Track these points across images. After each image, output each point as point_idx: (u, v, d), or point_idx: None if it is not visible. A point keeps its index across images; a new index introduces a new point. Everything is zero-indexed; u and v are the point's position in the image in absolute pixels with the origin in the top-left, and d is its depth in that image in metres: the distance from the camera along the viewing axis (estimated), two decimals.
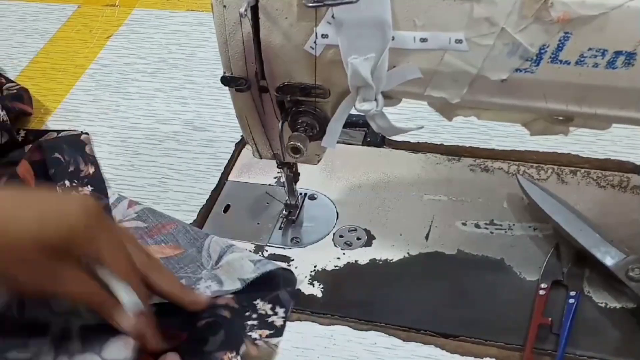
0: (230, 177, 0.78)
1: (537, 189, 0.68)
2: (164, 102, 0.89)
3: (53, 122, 0.88)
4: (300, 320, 0.63)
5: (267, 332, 0.60)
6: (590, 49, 0.48)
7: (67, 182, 0.68)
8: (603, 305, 0.61)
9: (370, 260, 0.67)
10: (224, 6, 0.53)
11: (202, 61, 0.95)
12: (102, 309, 0.52)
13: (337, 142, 0.58)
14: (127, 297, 0.52)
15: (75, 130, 0.81)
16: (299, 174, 0.69)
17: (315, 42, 0.52)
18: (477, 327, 0.61)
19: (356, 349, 0.61)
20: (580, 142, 0.76)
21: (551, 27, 0.48)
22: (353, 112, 0.55)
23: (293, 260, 0.68)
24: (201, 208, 0.74)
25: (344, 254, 0.68)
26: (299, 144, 0.58)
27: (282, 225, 0.71)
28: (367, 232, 0.70)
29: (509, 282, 0.64)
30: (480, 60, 0.50)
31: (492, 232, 0.68)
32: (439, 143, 0.78)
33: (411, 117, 0.80)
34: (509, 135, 0.78)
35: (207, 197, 0.75)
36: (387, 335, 0.62)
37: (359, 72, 0.51)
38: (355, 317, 0.63)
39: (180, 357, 0.55)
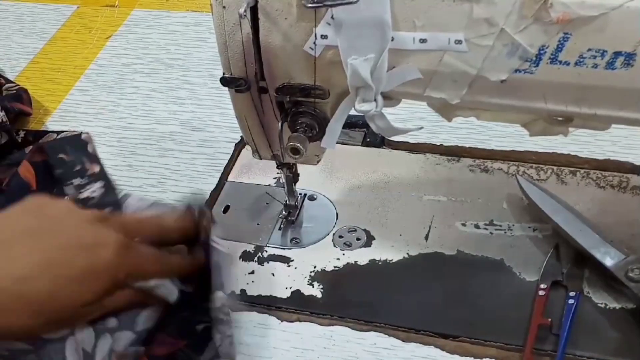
0: (230, 178, 0.78)
1: (537, 189, 0.68)
2: (162, 102, 0.89)
3: (52, 123, 0.88)
4: (300, 321, 0.63)
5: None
6: (589, 50, 0.48)
7: (75, 181, 0.68)
8: (603, 305, 0.61)
9: (369, 261, 0.67)
10: (224, 7, 0.53)
11: (200, 61, 0.95)
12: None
13: (337, 143, 0.58)
14: (168, 290, 0.53)
15: (74, 131, 0.81)
16: (298, 175, 0.69)
17: (314, 42, 0.52)
18: (476, 327, 0.61)
19: (356, 349, 0.61)
20: (579, 142, 0.76)
21: (551, 27, 0.48)
22: (352, 112, 0.55)
23: (293, 260, 0.68)
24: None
25: (343, 254, 0.68)
26: (298, 144, 0.58)
27: (282, 226, 0.71)
28: (367, 232, 0.70)
29: (509, 283, 0.64)
30: (480, 61, 0.50)
31: (491, 233, 0.68)
32: (438, 143, 0.78)
33: (410, 118, 0.80)
34: (508, 135, 0.78)
35: (206, 197, 0.75)
36: (387, 336, 0.62)
37: (359, 72, 0.51)
38: (354, 318, 0.63)
39: None
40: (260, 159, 0.66)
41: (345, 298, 0.65)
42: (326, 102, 0.57)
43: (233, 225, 0.72)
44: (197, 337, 0.57)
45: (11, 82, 0.91)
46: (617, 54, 0.47)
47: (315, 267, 0.67)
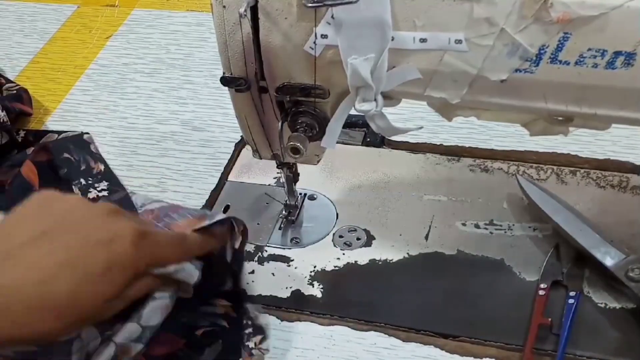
0: (230, 178, 0.78)
1: (537, 189, 0.68)
2: (163, 102, 0.89)
3: (52, 123, 0.88)
4: (300, 321, 0.63)
5: (259, 337, 0.60)
6: (589, 49, 0.48)
7: (82, 181, 0.67)
8: (603, 305, 0.61)
9: (370, 261, 0.67)
10: (224, 6, 0.53)
11: (201, 61, 0.95)
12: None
13: (337, 143, 0.58)
14: (188, 273, 0.53)
15: (75, 132, 0.81)
16: (298, 174, 0.69)
17: (315, 42, 0.52)
18: (476, 327, 0.61)
19: (356, 349, 0.61)
20: (579, 142, 0.76)
21: (551, 27, 0.48)
22: (353, 112, 0.55)
23: (293, 260, 0.68)
24: (201, 208, 0.74)
25: (343, 254, 0.68)
26: (298, 144, 0.58)
27: (282, 226, 0.72)
28: (367, 232, 0.70)
29: (509, 282, 0.64)
30: (480, 61, 0.50)
31: (491, 233, 0.68)
32: (438, 143, 0.78)
33: (411, 118, 0.80)
34: (509, 135, 0.78)
35: (206, 197, 0.75)
36: (387, 336, 0.62)
37: (359, 72, 0.51)
38: (354, 318, 0.63)
39: None
40: (261, 158, 0.66)
41: (345, 298, 0.65)
42: (326, 102, 0.57)
43: None
44: (197, 339, 0.57)
45: (11, 81, 0.91)
46: (617, 53, 0.47)
47: (315, 267, 0.67)
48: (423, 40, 0.50)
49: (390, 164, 0.76)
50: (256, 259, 0.69)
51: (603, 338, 0.59)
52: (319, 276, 0.67)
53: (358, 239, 0.69)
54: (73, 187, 0.67)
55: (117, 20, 1.05)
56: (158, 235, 0.51)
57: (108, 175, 0.69)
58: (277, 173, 0.75)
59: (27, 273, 0.44)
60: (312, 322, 0.63)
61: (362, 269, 0.67)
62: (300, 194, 0.73)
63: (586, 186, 0.72)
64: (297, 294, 0.65)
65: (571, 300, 0.61)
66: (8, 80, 0.91)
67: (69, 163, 0.69)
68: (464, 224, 0.69)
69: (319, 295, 0.65)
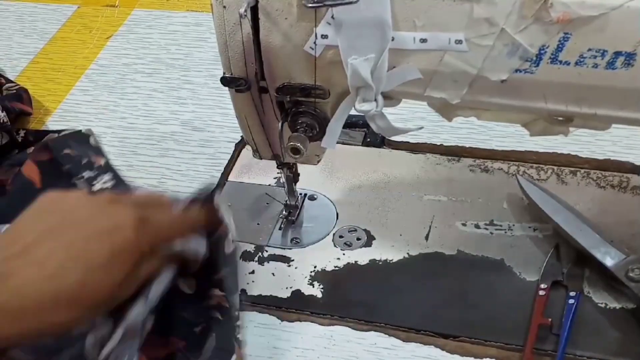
0: (230, 178, 0.78)
1: (537, 189, 0.68)
2: (163, 102, 0.89)
3: (53, 123, 0.88)
4: (300, 321, 0.63)
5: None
6: (590, 50, 0.48)
7: (85, 174, 0.67)
8: (603, 305, 0.61)
9: (370, 261, 0.67)
10: (224, 7, 0.53)
11: (201, 61, 0.95)
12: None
13: (337, 143, 0.58)
14: (196, 246, 0.54)
15: (74, 129, 0.81)
16: (298, 175, 0.69)
17: (315, 42, 0.52)
18: (477, 327, 0.61)
19: (356, 349, 0.61)
20: (579, 142, 0.76)
21: (551, 27, 0.48)
22: (353, 112, 0.55)
23: (293, 260, 0.68)
24: None
25: (343, 254, 0.68)
26: (298, 144, 0.58)
27: (282, 226, 0.72)
28: (367, 232, 0.70)
29: (509, 283, 0.64)
30: (480, 61, 0.50)
31: (492, 233, 0.68)
32: (438, 143, 0.78)
33: (411, 118, 0.80)
34: (509, 135, 0.78)
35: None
36: (387, 336, 0.62)
37: (359, 72, 0.51)
38: (355, 318, 0.63)
39: None
40: (261, 158, 0.66)
41: (345, 298, 0.65)
42: (326, 102, 0.57)
43: (233, 225, 0.72)
44: (196, 338, 0.57)
45: (11, 82, 0.91)
46: (617, 53, 0.47)
47: (315, 267, 0.67)
48: (423, 41, 0.50)
49: (391, 164, 0.76)
50: (256, 259, 0.69)
51: (603, 338, 0.59)
52: (319, 276, 0.67)
53: (358, 239, 0.69)
54: (77, 182, 0.67)
55: (117, 20, 1.05)
56: (159, 216, 0.52)
57: (110, 169, 0.69)
58: (277, 173, 0.75)
59: (37, 271, 0.46)
60: (312, 322, 0.63)
61: (362, 269, 0.67)
62: (301, 194, 0.73)
63: (586, 186, 0.72)
64: (297, 294, 0.65)
65: (571, 300, 0.61)
66: (8, 80, 0.91)
67: (69, 159, 0.69)
68: (464, 224, 0.69)
69: (319, 295, 0.65)
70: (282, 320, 0.64)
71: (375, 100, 0.53)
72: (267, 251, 0.69)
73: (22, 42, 1.02)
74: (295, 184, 0.69)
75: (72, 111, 0.90)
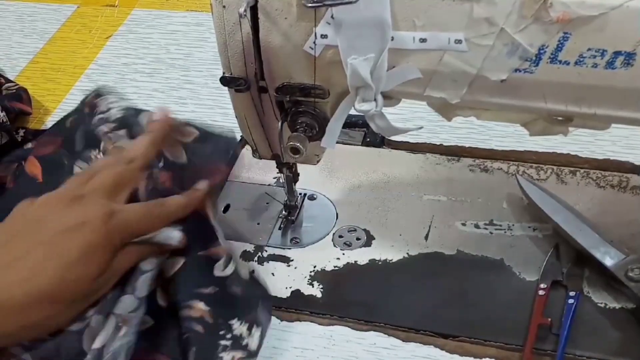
0: (230, 177, 0.78)
1: (537, 189, 0.68)
2: (163, 102, 0.89)
3: (52, 122, 0.87)
4: (300, 321, 0.63)
5: (240, 354, 0.56)
6: (589, 49, 0.48)
7: (103, 128, 0.66)
8: (602, 305, 0.61)
9: (369, 261, 0.67)
10: (224, 6, 0.53)
11: (201, 61, 0.95)
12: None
13: (337, 143, 0.58)
14: (168, 236, 0.55)
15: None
16: (298, 174, 0.69)
17: (314, 42, 0.52)
18: (476, 327, 0.61)
19: (356, 349, 0.61)
20: (579, 142, 0.76)
21: (550, 27, 0.48)
22: (352, 112, 0.55)
23: (293, 260, 0.68)
24: None
25: (343, 254, 0.68)
26: (298, 144, 0.58)
27: (282, 226, 0.72)
28: (367, 232, 0.70)
29: (509, 282, 0.64)
30: (480, 61, 0.50)
31: (491, 233, 0.68)
32: (438, 143, 0.78)
33: (410, 118, 0.80)
34: (508, 135, 0.78)
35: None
36: (387, 336, 0.62)
37: (359, 72, 0.51)
38: (354, 318, 0.63)
39: None
40: (260, 158, 0.66)
41: (345, 298, 0.65)
42: (326, 102, 0.57)
43: (233, 225, 0.72)
44: (176, 351, 0.56)
45: (11, 81, 0.91)
46: (617, 53, 0.47)
47: (315, 267, 0.67)
48: (423, 40, 0.50)
49: (390, 164, 0.76)
50: (256, 259, 0.69)
51: (603, 338, 0.59)
52: (318, 276, 0.67)
53: (358, 239, 0.69)
54: (80, 163, 0.66)
55: (117, 20, 1.05)
56: (128, 209, 0.54)
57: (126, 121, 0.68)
58: (277, 173, 0.75)
59: (12, 274, 0.48)
60: (312, 322, 0.63)
61: (362, 269, 0.67)
62: (300, 194, 0.73)
63: (586, 186, 0.72)
64: (297, 294, 0.65)
65: (571, 300, 0.61)
66: (7, 80, 0.91)
67: (76, 129, 0.68)
68: (463, 224, 0.69)
69: (319, 295, 0.65)
70: (281, 320, 0.64)
71: (375, 100, 0.53)
72: (266, 251, 0.69)
73: (22, 42, 1.03)
74: (295, 184, 0.69)
75: None
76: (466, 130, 0.79)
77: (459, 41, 0.50)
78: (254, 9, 0.52)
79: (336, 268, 0.67)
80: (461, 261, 0.66)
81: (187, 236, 0.57)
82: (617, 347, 0.59)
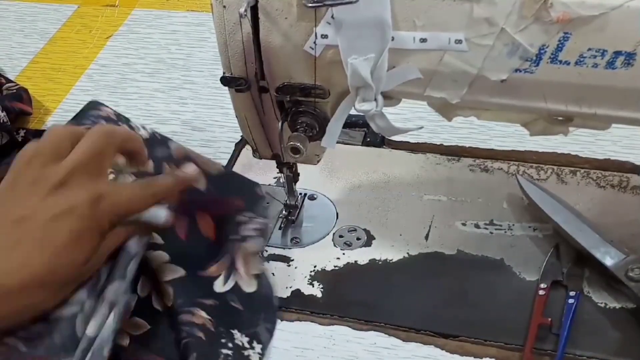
0: None
1: (537, 189, 0.68)
2: (163, 102, 0.89)
3: (53, 122, 0.88)
4: (300, 320, 0.63)
5: None
6: (589, 49, 0.48)
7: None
8: (603, 305, 0.61)
9: (370, 261, 0.67)
10: (224, 6, 0.53)
11: (201, 61, 0.95)
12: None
13: (337, 143, 0.58)
14: (155, 215, 0.55)
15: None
16: (298, 174, 0.69)
17: (315, 42, 0.52)
18: (476, 327, 0.61)
19: (356, 349, 0.61)
20: (579, 142, 0.76)
21: (551, 27, 0.48)
22: (353, 112, 0.55)
23: (293, 260, 0.68)
24: None
25: (343, 254, 0.68)
26: (298, 144, 0.58)
27: (282, 226, 0.71)
28: (367, 232, 0.70)
29: (509, 282, 0.64)
30: (480, 61, 0.50)
31: (491, 232, 0.68)
32: (438, 143, 0.78)
33: (410, 118, 0.80)
34: (509, 135, 0.78)
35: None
36: (387, 336, 0.62)
37: (359, 72, 0.51)
38: (354, 317, 0.63)
39: None
40: (261, 158, 0.66)
41: (345, 298, 0.65)
42: (326, 102, 0.57)
43: None
44: (178, 355, 0.56)
45: (12, 81, 0.91)
46: (617, 53, 0.47)
47: (315, 266, 0.67)
48: (423, 40, 0.50)
49: (390, 164, 0.76)
50: None
51: (603, 338, 0.59)
52: (319, 276, 0.67)
53: (358, 238, 0.69)
54: None
55: (117, 20, 1.05)
56: (117, 191, 0.54)
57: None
58: (277, 173, 0.75)
59: (5, 262, 0.49)
60: (312, 321, 0.63)
61: (362, 269, 0.67)
62: (300, 194, 0.73)
63: (586, 186, 0.72)
64: (297, 294, 0.65)
65: (571, 300, 0.61)
66: (8, 80, 0.91)
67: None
68: (464, 224, 0.69)
69: (319, 295, 0.65)
70: (281, 320, 0.64)
71: (375, 100, 0.53)
72: (266, 251, 0.69)
73: (22, 42, 1.03)
74: (295, 184, 0.69)
75: (72, 111, 0.89)
76: (466, 130, 0.79)
77: (459, 41, 0.50)
78: (254, 9, 0.52)
79: (336, 268, 0.67)
80: (461, 261, 0.66)
81: (187, 256, 0.58)
82: (617, 347, 0.59)
